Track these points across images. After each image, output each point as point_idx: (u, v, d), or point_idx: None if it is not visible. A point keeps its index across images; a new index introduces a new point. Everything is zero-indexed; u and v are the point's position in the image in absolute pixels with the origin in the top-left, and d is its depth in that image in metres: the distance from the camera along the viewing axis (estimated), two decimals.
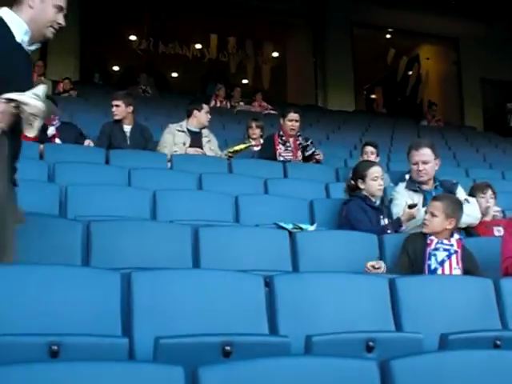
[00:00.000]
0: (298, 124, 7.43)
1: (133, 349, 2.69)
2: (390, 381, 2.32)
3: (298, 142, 7.42)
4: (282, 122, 7.49)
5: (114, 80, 15.93)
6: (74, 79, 13.19)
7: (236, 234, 4.44)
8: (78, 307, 2.82)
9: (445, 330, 3.01)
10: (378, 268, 4.18)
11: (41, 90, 3.10)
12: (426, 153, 5.28)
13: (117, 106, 6.94)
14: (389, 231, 4.86)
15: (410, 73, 19.13)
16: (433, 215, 4.36)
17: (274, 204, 5.42)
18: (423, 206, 4.93)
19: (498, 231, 5.28)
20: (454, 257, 4.22)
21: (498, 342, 2.95)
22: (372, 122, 13.51)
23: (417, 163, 5.25)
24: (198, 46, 17.19)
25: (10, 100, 3.04)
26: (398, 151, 8.72)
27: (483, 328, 3.22)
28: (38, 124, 3.10)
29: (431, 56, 18.90)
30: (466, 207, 4.98)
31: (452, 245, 4.27)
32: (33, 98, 3.05)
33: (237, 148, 7.28)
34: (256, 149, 7.85)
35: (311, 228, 4.93)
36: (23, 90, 3.02)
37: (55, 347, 2.41)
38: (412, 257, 4.29)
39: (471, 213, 5.16)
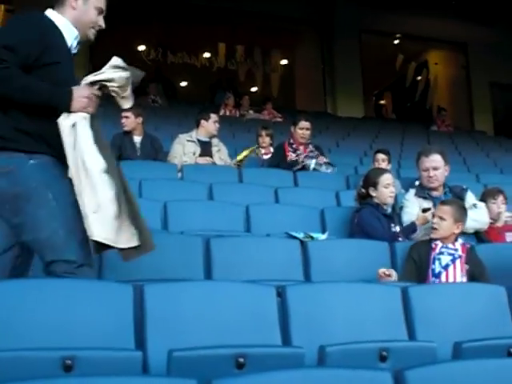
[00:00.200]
0: (308, 132, 7.43)
1: (146, 362, 2.69)
2: None
3: (308, 150, 7.43)
4: (292, 129, 7.48)
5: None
6: None
7: (247, 244, 4.44)
8: (90, 321, 2.81)
9: (458, 339, 3.01)
10: (388, 275, 4.17)
11: (117, 60, 3.19)
12: (436, 159, 5.27)
13: (126, 117, 6.96)
14: (400, 239, 4.86)
15: (419, 78, 19.11)
16: (442, 219, 4.36)
17: (284, 213, 5.42)
18: None
19: (510, 237, 5.27)
20: (458, 261, 4.22)
21: None
22: (382, 129, 13.49)
23: (427, 169, 5.25)
24: (207, 55, 17.21)
25: (93, 83, 3.13)
26: (409, 157, 8.69)
27: (497, 336, 3.20)
28: (129, 93, 3.19)
29: (440, 61, 18.87)
30: (474, 212, 4.99)
31: (456, 249, 4.28)
32: (115, 72, 3.16)
33: (240, 157, 7.28)
34: (266, 157, 7.86)
35: (322, 237, 4.92)
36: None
37: (69, 361, 2.41)
38: (418, 263, 4.29)
39: (479, 218, 5.16)
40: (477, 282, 4.18)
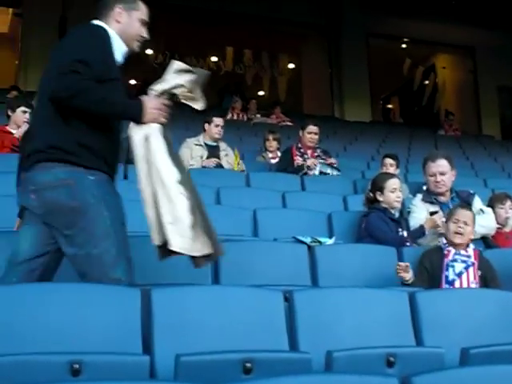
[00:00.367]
0: (316, 137, 7.47)
1: (154, 366, 2.69)
2: None
3: (315, 154, 7.44)
4: (301, 133, 7.52)
5: (131, 94, 15.98)
6: None
7: (254, 249, 4.43)
8: (98, 325, 2.82)
9: (466, 344, 3.00)
10: (406, 268, 4.17)
11: (178, 64, 3.23)
12: (442, 164, 5.27)
13: None
14: (408, 243, 4.86)
15: (427, 82, 19.11)
16: (466, 224, 4.35)
17: (292, 217, 5.41)
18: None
19: None
20: (471, 269, 4.21)
21: None
22: (389, 133, 13.48)
23: (434, 175, 5.24)
24: (214, 59, 17.25)
25: (161, 93, 3.17)
26: (416, 162, 8.67)
27: (505, 342, 3.19)
28: (200, 94, 3.26)
29: (447, 65, 18.86)
30: (481, 218, 4.99)
31: (469, 256, 4.26)
32: (180, 76, 3.19)
33: (235, 165, 7.25)
34: (273, 161, 7.87)
35: (330, 241, 4.92)
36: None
37: (77, 366, 2.41)
38: (430, 270, 4.26)
39: (486, 223, 5.15)
40: (489, 287, 4.17)
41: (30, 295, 2.81)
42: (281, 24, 16.51)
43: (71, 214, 3.04)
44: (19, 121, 6.55)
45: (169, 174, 3.07)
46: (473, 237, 4.41)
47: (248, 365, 2.57)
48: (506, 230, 5.52)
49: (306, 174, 7.11)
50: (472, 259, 4.25)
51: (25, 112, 6.63)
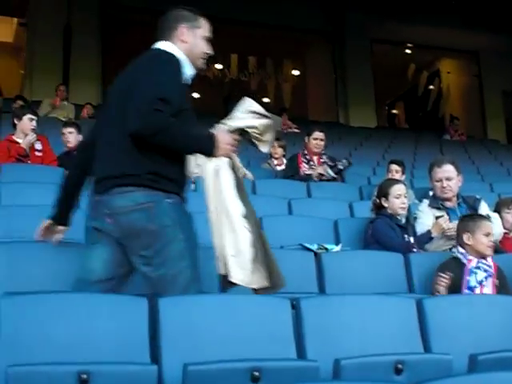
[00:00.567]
0: (322, 143, 7.49)
1: (161, 376, 2.68)
2: None
3: (322, 161, 7.45)
4: (306, 140, 7.54)
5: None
6: (97, 102, 13.31)
7: None
8: (106, 335, 2.82)
9: (474, 351, 2.99)
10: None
11: (252, 103, 3.31)
12: (449, 169, 5.26)
13: None
14: (415, 249, 4.85)
15: (431, 87, 19.11)
16: (491, 235, 4.38)
17: (298, 224, 5.41)
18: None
19: None
20: (490, 279, 4.19)
21: None
22: (394, 138, 13.48)
23: (440, 180, 5.23)
24: (219, 66, 17.27)
25: (234, 129, 3.27)
26: (422, 167, 8.66)
27: None
28: (270, 139, 3.36)
29: (452, 70, 18.87)
30: None
31: (490, 266, 4.25)
32: (255, 118, 3.29)
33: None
34: (279, 168, 7.87)
35: (336, 248, 4.92)
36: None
37: (85, 376, 2.42)
38: (449, 283, 4.22)
39: (493, 229, 5.13)
40: (500, 293, 4.16)
41: (37, 306, 2.81)
42: (285, 30, 16.53)
43: (148, 236, 3.10)
44: (26, 129, 6.57)
45: (235, 207, 3.17)
46: None
47: (256, 373, 2.56)
48: None
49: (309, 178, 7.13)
50: (492, 269, 4.24)
51: (31, 120, 6.65)
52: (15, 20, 17.37)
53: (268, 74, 17.97)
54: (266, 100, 18.08)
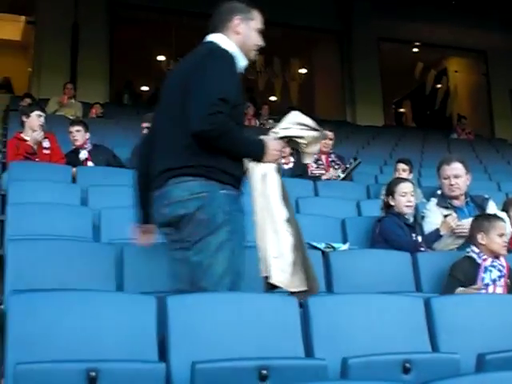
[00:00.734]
0: (331, 142, 7.50)
1: (169, 374, 2.69)
2: None
3: (330, 160, 7.45)
4: None
5: (143, 100, 16.05)
6: (104, 101, 13.33)
7: None
8: (114, 332, 2.83)
9: (482, 350, 2.99)
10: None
11: (301, 118, 3.42)
12: (457, 167, 5.25)
13: (147, 127, 6.98)
14: (422, 248, 4.85)
15: (439, 86, 19.06)
16: (505, 235, 4.39)
17: (305, 223, 5.34)
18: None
19: None
20: (503, 280, 4.19)
21: None
22: (402, 137, 13.46)
23: (448, 177, 5.22)
24: None
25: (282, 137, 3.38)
26: (429, 166, 8.66)
27: None
28: (314, 151, 3.53)
29: (459, 69, 18.82)
30: None
31: (504, 266, 4.25)
32: (304, 130, 3.41)
33: None
34: (286, 167, 7.87)
35: (344, 247, 4.92)
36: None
37: (93, 373, 2.43)
38: (463, 281, 4.20)
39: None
40: (509, 293, 4.17)
41: (45, 304, 2.82)
42: (292, 29, 16.51)
43: (197, 224, 3.18)
44: (35, 125, 6.59)
45: (279, 211, 3.25)
46: None
47: (264, 372, 2.57)
48: None
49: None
50: (505, 271, 4.24)
51: (39, 116, 6.67)
52: (23, 18, 17.40)
53: (275, 73, 17.94)
54: (273, 99, 18.08)
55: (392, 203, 5.14)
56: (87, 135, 7.01)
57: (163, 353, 2.82)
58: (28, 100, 11.41)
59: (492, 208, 5.26)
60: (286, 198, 3.31)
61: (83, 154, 6.92)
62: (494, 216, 4.65)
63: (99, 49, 14.27)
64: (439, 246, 4.95)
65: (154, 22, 15.84)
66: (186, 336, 2.86)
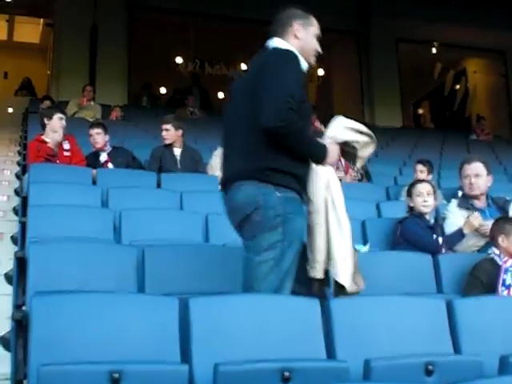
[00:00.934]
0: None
1: (192, 375, 2.69)
2: None
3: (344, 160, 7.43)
4: None
5: (161, 102, 16.09)
6: (122, 103, 13.38)
7: None
8: (136, 334, 2.83)
9: (504, 352, 2.97)
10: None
11: (350, 123, 3.51)
12: (478, 166, 5.26)
13: (167, 130, 7.01)
14: (443, 250, 4.83)
15: (458, 87, 18.96)
16: None
17: None
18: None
19: None
20: None
21: None
22: (420, 138, 13.41)
23: (468, 176, 5.22)
24: (244, 67, 17.27)
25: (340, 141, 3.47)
26: (448, 167, 8.62)
27: None
28: (367, 154, 3.65)
29: (478, 69, 18.73)
30: None
31: None
32: (358, 134, 3.52)
33: None
34: None
35: (364, 249, 4.91)
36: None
37: (116, 375, 2.44)
38: (485, 282, 4.18)
39: None
40: None
41: (69, 305, 2.83)
42: None
43: (253, 225, 3.28)
44: (57, 127, 6.62)
45: (344, 215, 3.42)
46: None
47: (286, 374, 2.57)
48: None
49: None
50: None
51: (61, 119, 6.70)
52: (42, 21, 17.51)
53: None
54: None
55: (411, 204, 5.19)
56: (107, 137, 7.04)
57: (185, 354, 2.82)
58: (47, 102, 11.47)
59: None
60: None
61: (103, 156, 6.95)
62: None
63: (117, 51, 14.31)
64: (460, 248, 4.92)
65: (172, 24, 15.87)
66: (209, 338, 2.86)
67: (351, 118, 3.65)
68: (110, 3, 14.25)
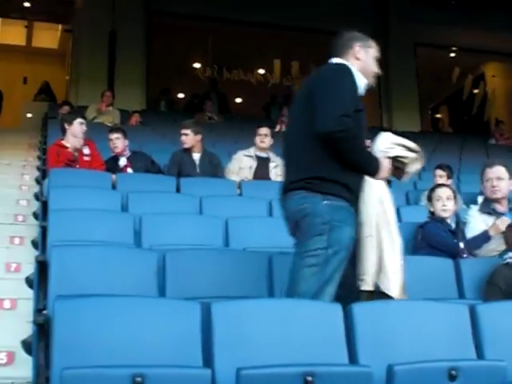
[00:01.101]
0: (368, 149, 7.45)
1: (214, 380, 2.69)
2: None
3: None
4: None
5: (179, 107, 16.12)
6: (140, 108, 13.41)
7: None
8: (158, 338, 2.83)
9: None
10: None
11: (396, 138, 3.62)
12: (499, 169, 5.27)
13: (185, 134, 7.02)
14: (464, 255, 4.81)
15: (476, 91, 18.88)
16: None
17: None
18: None
19: None
20: None
21: None
22: (439, 143, 13.34)
23: (490, 179, 5.21)
24: (262, 72, 17.28)
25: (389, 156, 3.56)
26: (468, 172, 8.58)
27: None
28: (414, 170, 3.71)
29: (497, 73, 18.65)
30: None
31: None
32: (406, 150, 3.61)
33: None
34: None
35: None
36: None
37: (139, 379, 2.44)
38: (505, 289, 4.16)
39: None
40: None
41: (91, 309, 2.84)
42: (328, 35, 16.43)
43: (301, 232, 3.39)
44: (77, 132, 6.65)
45: (396, 230, 3.58)
46: None
47: (309, 378, 2.56)
48: None
49: None
50: None
51: (82, 124, 6.74)
52: (60, 27, 17.60)
53: None
54: None
55: (431, 209, 5.20)
56: (126, 142, 7.07)
57: (207, 359, 2.82)
58: (67, 108, 11.53)
59: None
60: None
61: (122, 161, 6.98)
62: None
63: (136, 56, 14.37)
64: (482, 252, 4.89)
65: (190, 30, 15.89)
66: (231, 342, 2.85)
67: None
68: (128, 9, 14.30)
